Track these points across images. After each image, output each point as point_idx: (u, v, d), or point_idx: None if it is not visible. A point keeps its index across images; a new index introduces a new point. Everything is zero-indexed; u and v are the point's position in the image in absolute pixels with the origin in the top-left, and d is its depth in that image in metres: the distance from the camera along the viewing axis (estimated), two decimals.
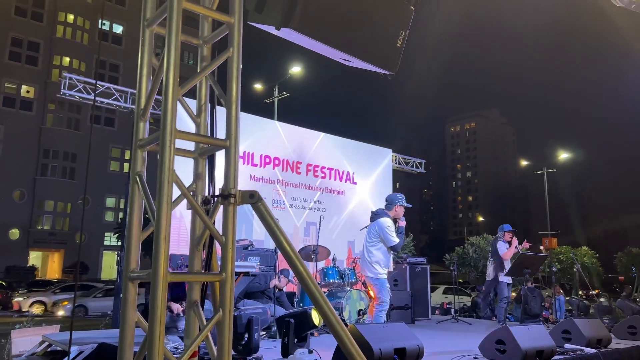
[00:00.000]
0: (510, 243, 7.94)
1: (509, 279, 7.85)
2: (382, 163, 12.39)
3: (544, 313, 10.30)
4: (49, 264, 35.21)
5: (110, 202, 37.36)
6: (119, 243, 23.21)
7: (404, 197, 6.14)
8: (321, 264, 8.69)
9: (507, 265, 7.85)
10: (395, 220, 6.00)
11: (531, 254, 7.73)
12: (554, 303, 9.62)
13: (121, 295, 1.94)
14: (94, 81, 9.67)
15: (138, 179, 1.98)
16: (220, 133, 2.14)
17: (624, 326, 6.74)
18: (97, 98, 9.78)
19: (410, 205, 6.08)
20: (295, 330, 4.40)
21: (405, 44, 2.94)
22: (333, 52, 2.84)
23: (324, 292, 8.02)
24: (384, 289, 5.76)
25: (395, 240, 5.77)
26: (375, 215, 6.03)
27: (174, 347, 4.54)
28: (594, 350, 5.39)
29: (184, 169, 2.43)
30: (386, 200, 6.16)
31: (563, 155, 36.38)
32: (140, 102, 2.08)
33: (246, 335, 4.08)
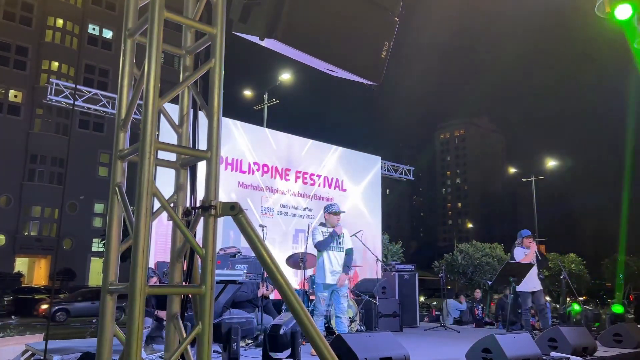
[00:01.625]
0: (529, 249, 7.59)
1: (528, 287, 7.52)
2: (372, 170, 12.42)
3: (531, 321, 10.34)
4: (35, 271, 34.76)
5: (98, 208, 37.01)
6: None
7: (333, 204, 6.74)
8: (309, 272, 8.66)
9: (530, 274, 7.44)
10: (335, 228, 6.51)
11: (518, 262, 7.70)
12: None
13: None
14: (80, 87, 9.59)
15: (117, 190, 1.96)
16: (203, 143, 2.13)
17: (609, 334, 6.78)
18: (84, 104, 9.71)
19: (343, 211, 6.69)
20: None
21: (389, 54, 2.96)
22: (318, 62, 2.84)
23: (312, 300, 8.02)
24: (318, 297, 6.33)
25: (316, 239, 6.34)
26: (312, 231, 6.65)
27: (159, 357, 4.50)
28: (579, 358, 5.42)
29: (165, 179, 2.41)
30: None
31: (551, 163, 36.72)
32: (120, 113, 2.07)
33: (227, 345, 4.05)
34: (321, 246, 6.33)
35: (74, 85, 9.61)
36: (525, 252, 7.62)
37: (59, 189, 34.53)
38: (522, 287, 7.57)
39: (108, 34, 38.19)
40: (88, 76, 35.69)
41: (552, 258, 30.11)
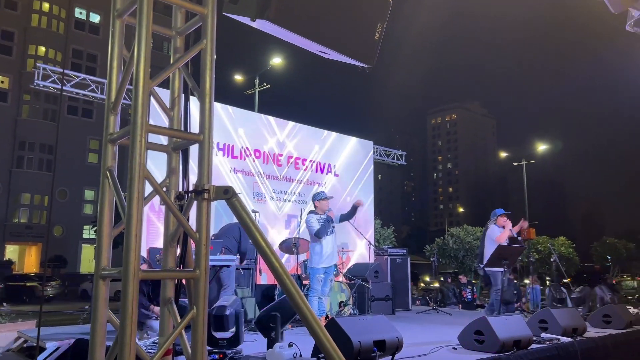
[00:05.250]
0: (504, 227, 7.51)
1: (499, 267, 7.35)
2: (364, 155, 12.40)
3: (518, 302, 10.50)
4: (26, 258, 34.58)
5: (89, 194, 36.76)
6: None
7: (321, 192, 7.07)
8: (302, 257, 8.69)
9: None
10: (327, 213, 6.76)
11: (510, 245, 7.74)
12: (530, 292, 9.81)
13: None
14: (68, 72, 9.41)
15: (109, 174, 1.93)
16: (195, 126, 2.10)
17: (599, 315, 6.88)
18: (72, 89, 9.57)
19: (331, 196, 6.99)
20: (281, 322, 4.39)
21: (382, 37, 2.92)
22: (310, 44, 2.80)
23: (306, 284, 8.10)
24: (314, 278, 6.54)
25: (315, 227, 6.49)
26: (306, 221, 6.82)
27: (153, 342, 4.49)
28: (569, 339, 5.49)
29: (157, 162, 2.38)
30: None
31: (542, 147, 36.94)
32: (110, 95, 2.03)
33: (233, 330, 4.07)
34: (322, 233, 6.52)
35: (61, 70, 9.45)
36: (499, 229, 7.53)
37: (48, 175, 34.20)
38: (492, 267, 7.44)
39: (95, 18, 37.56)
40: (76, 61, 35.16)
41: (542, 241, 30.44)
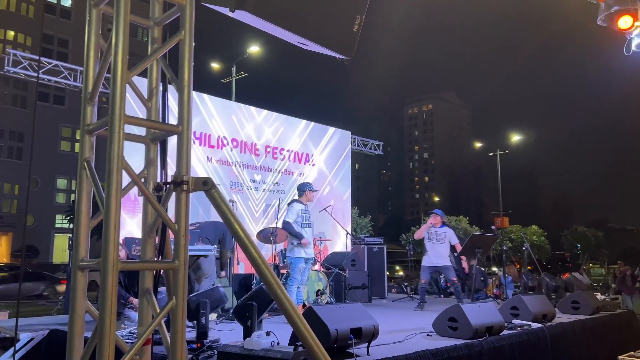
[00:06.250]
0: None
1: (429, 263, 7.80)
2: (342, 145, 12.45)
3: (495, 290, 10.77)
4: None
5: (61, 183, 36.00)
6: (71, 226, 22.45)
7: (311, 184, 7.27)
8: (280, 246, 8.72)
9: (428, 247, 7.86)
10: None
11: (483, 234, 7.94)
12: (504, 281, 10.03)
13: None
14: (39, 58, 9.16)
15: (86, 165, 1.92)
16: (173, 117, 2.09)
17: (567, 301, 7.11)
18: (44, 76, 9.33)
19: (317, 189, 7.38)
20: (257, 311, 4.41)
21: (361, 28, 2.94)
22: (289, 35, 2.80)
23: (283, 274, 8.16)
24: (295, 268, 6.66)
25: (287, 219, 6.66)
26: (289, 205, 7.00)
27: (130, 332, 4.48)
28: (539, 325, 5.67)
29: (136, 153, 2.37)
30: (297, 189, 7.19)
31: (515, 138, 37.57)
32: (87, 86, 2.01)
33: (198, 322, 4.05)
34: (291, 229, 6.65)
35: (33, 56, 9.20)
36: (424, 225, 8.12)
37: (18, 164, 33.34)
38: (424, 262, 7.94)
39: (67, 2, 36.51)
40: (47, 46, 34.18)
41: (515, 230, 31.11)
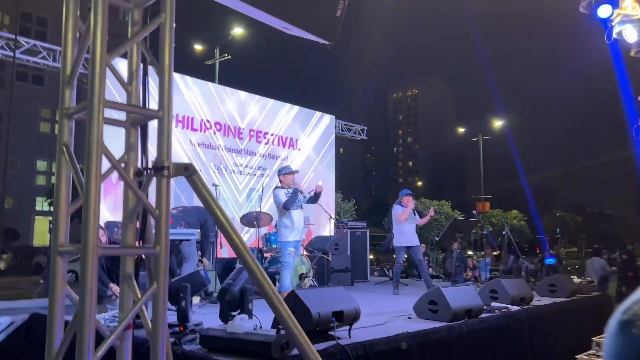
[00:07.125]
0: (407, 207, 8.02)
1: (401, 242, 7.90)
2: (326, 129, 12.43)
3: (471, 273, 10.96)
4: None
5: (41, 165, 35.45)
6: (52, 209, 22.15)
7: (287, 166, 7.38)
8: (264, 230, 8.74)
9: (404, 228, 7.91)
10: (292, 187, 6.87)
11: (464, 219, 8.07)
12: (482, 264, 10.23)
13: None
14: (16, 37, 8.91)
15: (65, 150, 1.89)
16: (154, 100, 2.07)
17: (545, 285, 7.28)
18: (22, 56, 9.12)
19: (297, 170, 7.16)
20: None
21: (344, 13, 2.93)
22: (273, 20, 2.79)
23: (266, 257, 8.18)
24: (285, 252, 6.61)
25: (282, 200, 6.56)
26: (274, 194, 6.91)
27: (113, 316, 4.47)
28: (517, 308, 5.81)
29: (116, 137, 2.35)
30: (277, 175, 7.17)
31: (498, 123, 37.90)
32: (65, 69, 1.97)
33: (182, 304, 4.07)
34: (289, 204, 6.56)
35: (10, 35, 8.97)
36: (402, 209, 8.04)
37: None
38: (396, 242, 8.03)
39: None
40: (24, 25, 33.23)
41: (496, 214, 31.54)
